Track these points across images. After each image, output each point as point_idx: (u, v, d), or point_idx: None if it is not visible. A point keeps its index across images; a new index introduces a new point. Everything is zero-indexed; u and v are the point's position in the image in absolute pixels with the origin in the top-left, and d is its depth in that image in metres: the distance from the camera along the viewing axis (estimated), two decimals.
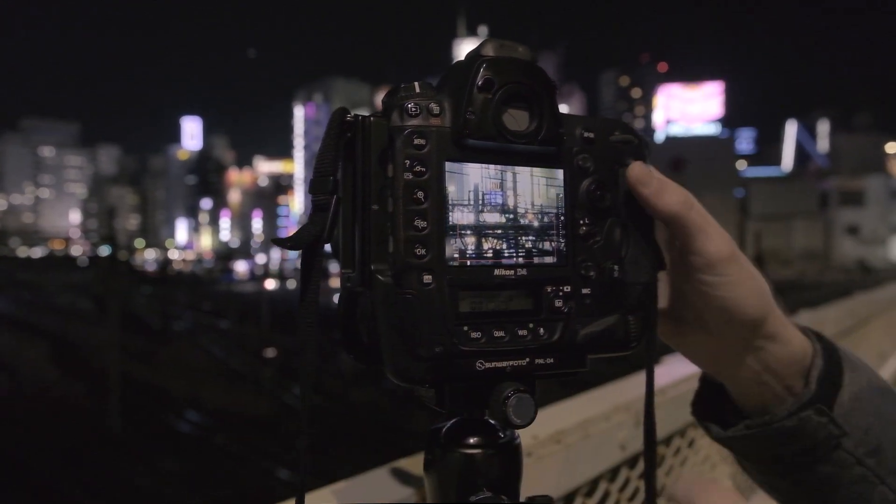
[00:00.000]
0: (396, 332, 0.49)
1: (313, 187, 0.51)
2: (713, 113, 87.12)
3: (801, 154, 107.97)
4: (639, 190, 0.55)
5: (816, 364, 0.60)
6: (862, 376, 0.62)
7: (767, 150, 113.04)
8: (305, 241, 0.51)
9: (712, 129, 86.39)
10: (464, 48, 0.46)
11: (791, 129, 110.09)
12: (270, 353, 24.51)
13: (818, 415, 0.58)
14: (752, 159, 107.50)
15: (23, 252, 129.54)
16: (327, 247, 0.54)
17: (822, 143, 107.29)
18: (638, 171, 0.56)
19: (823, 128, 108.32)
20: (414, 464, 0.87)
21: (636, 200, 0.57)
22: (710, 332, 0.59)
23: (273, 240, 0.53)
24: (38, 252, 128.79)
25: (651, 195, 0.55)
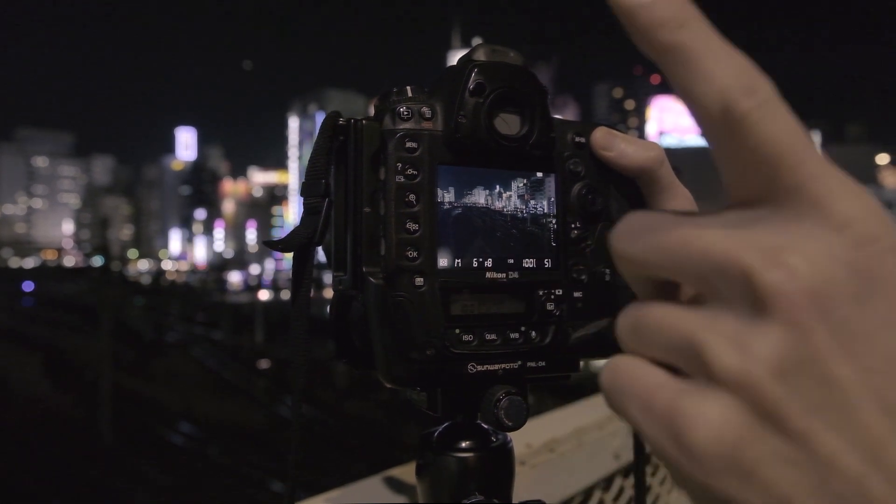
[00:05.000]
0: (388, 334, 0.49)
1: (305, 190, 0.51)
2: None
3: None
4: (603, 154, 0.55)
5: None
6: None
7: None
8: (297, 243, 0.51)
9: (705, 141, 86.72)
10: (458, 59, 0.50)
11: None
12: (264, 364, 24.41)
13: None
14: None
15: (15, 262, 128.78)
16: (320, 253, 0.54)
17: None
18: (600, 136, 0.55)
19: (815, 139, 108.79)
20: (406, 472, 0.86)
21: (628, 205, 0.57)
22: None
23: (265, 242, 0.54)
24: (30, 262, 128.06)
25: (615, 157, 0.55)
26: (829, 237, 0.26)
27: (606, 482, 1.09)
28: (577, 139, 0.55)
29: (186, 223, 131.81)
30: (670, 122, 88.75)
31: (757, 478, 0.25)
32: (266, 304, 42.02)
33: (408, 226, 0.49)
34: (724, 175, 0.30)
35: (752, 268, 0.26)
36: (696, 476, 0.26)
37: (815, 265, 0.25)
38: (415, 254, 0.49)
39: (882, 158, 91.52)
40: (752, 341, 0.26)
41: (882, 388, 0.25)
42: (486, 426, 0.56)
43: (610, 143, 0.55)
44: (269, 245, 0.52)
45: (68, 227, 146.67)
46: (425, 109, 0.50)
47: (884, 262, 0.26)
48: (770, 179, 0.28)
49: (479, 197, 0.52)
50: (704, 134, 0.31)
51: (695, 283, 0.29)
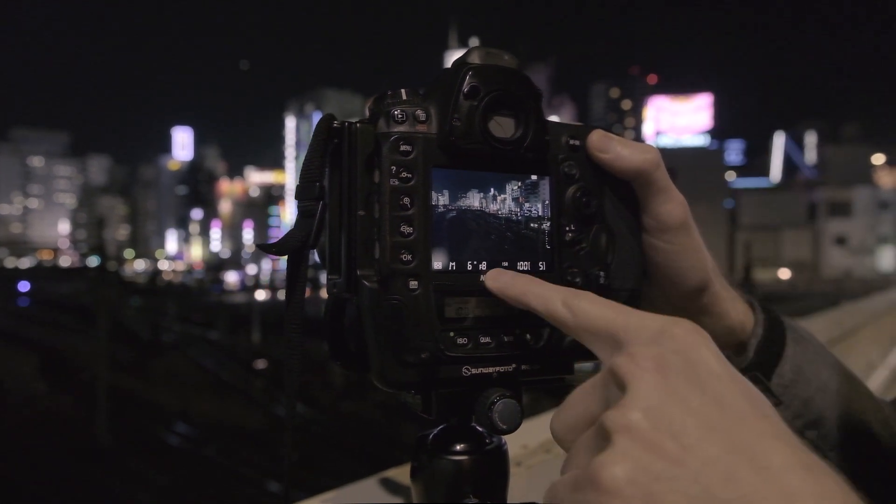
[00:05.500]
0: (383, 337, 0.49)
1: (300, 193, 0.51)
2: (702, 124, 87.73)
3: (790, 165, 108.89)
4: (599, 157, 0.55)
5: (756, 334, 0.62)
6: (808, 349, 0.64)
7: (756, 161, 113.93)
8: (291, 246, 0.51)
9: (701, 141, 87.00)
10: (455, 59, 0.55)
11: (779, 141, 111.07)
12: (261, 364, 24.38)
13: (753, 382, 0.61)
14: (741, 170, 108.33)
15: (11, 262, 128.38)
16: (315, 255, 0.54)
17: (810, 155, 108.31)
18: (596, 139, 0.56)
19: (811, 139, 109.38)
20: (402, 473, 0.86)
21: (623, 208, 0.57)
22: (646, 299, 0.60)
23: (258, 245, 0.54)
24: (26, 262, 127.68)
25: (613, 159, 0.55)
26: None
27: None
28: (572, 142, 0.55)
29: (183, 223, 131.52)
30: (667, 122, 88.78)
31: (655, 498, 0.33)
32: (263, 304, 41.97)
33: (402, 229, 0.49)
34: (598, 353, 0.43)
35: (619, 366, 0.38)
36: None
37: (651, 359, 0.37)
38: (409, 257, 0.49)
39: (878, 158, 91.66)
40: (625, 404, 0.36)
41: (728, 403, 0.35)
42: (480, 428, 0.56)
43: (606, 145, 0.55)
44: (263, 248, 0.52)
45: (64, 227, 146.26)
46: (420, 112, 0.50)
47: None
48: (602, 345, 0.42)
49: (474, 200, 0.52)
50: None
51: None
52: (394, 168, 0.49)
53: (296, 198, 0.52)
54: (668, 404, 0.35)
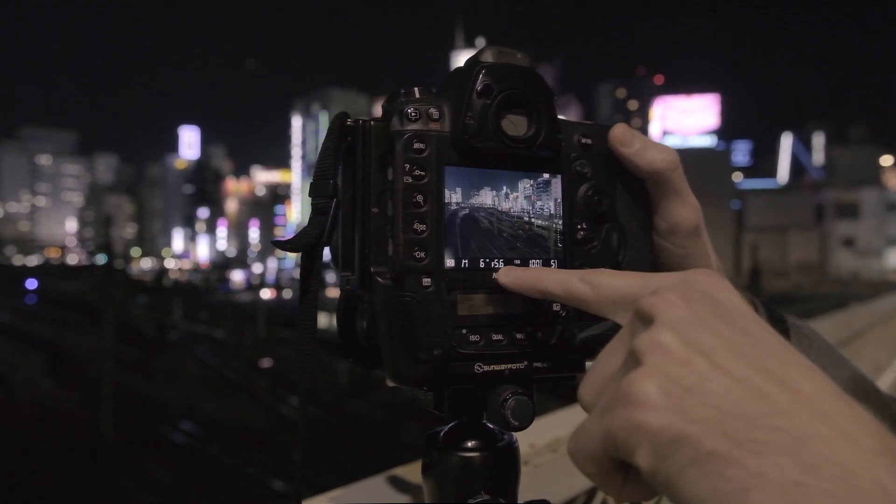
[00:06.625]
0: (396, 334, 0.49)
1: (313, 191, 0.51)
2: (709, 125, 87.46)
3: (797, 166, 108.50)
4: (620, 150, 0.55)
5: None
6: (811, 347, 0.64)
7: (763, 162, 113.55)
8: (305, 243, 0.51)
9: (708, 142, 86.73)
10: (461, 59, 0.56)
11: (787, 142, 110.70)
12: (266, 363, 24.41)
13: None
14: (748, 171, 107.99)
15: (18, 260, 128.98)
16: (327, 253, 0.54)
17: (818, 156, 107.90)
18: (619, 131, 0.55)
19: (819, 140, 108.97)
20: (410, 471, 0.86)
21: (635, 207, 0.57)
22: None
23: (273, 242, 0.54)
24: (33, 260, 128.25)
25: (633, 154, 0.55)
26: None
27: None
28: (584, 140, 0.55)
29: (189, 222, 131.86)
30: (673, 123, 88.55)
31: (687, 410, 0.33)
32: (268, 303, 42.03)
33: (415, 226, 0.49)
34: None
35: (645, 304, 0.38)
36: (650, 425, 0.33)
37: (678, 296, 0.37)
38: (422, 254, 0.49)
39: (886, 160, 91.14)
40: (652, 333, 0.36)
41: (722, 336, 0.35)
42: (491, 426, 0.56)
43: (629, 140, 0.55)
44: (278, 245, 0.52)
45: (72, 225, 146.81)
46: (433, 110, 0.50)
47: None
48: (621, 308, 0.42)
49: (486, 198, 0.52)
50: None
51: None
52: (407, 166, 0.49)
53: (309, 195, 0.52)
54: (698, 329, 0.36)
